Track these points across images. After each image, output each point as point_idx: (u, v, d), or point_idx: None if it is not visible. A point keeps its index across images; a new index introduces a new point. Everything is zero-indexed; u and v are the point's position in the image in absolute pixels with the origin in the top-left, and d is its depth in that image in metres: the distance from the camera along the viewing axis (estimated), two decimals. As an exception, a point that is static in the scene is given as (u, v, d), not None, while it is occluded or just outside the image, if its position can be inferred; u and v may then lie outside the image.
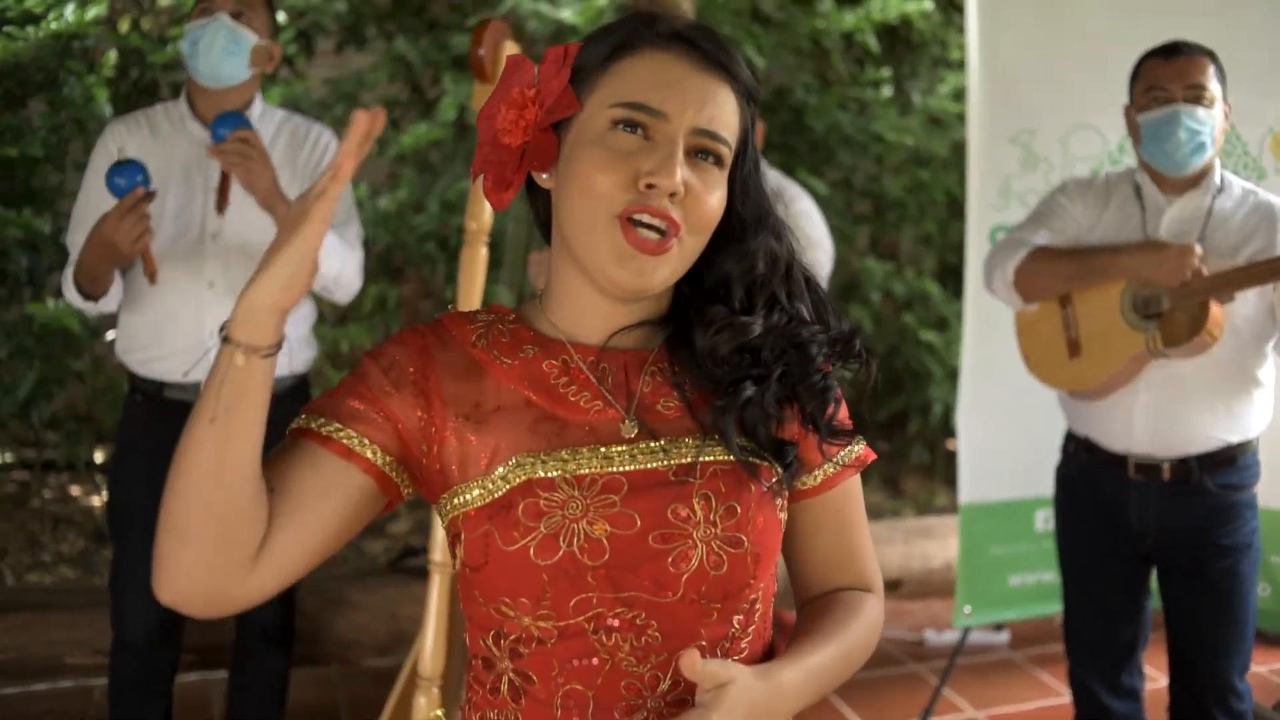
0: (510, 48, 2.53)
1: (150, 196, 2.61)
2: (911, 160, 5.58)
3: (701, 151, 1.26)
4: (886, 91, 5.36)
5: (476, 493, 1.26)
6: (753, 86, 1.34)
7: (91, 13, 4.39)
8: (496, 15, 5.05)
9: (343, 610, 3.75)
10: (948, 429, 5.75)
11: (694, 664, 1.16)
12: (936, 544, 4.34)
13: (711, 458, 1.29)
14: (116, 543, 2.91)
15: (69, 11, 4.36)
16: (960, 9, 5.13)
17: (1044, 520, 3.81)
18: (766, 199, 1.36)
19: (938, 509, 5.83)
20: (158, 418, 2.83)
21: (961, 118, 5.18)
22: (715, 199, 1.27)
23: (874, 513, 5.80)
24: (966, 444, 3.82)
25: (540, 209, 1.38)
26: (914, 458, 6.07)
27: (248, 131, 2.63)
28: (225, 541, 1.17)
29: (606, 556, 1.23)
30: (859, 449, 1.41)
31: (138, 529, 2.79)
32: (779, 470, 1.31)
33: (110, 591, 2.90)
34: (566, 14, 4.96)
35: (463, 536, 1.28)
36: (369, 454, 1.25)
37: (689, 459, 1.28)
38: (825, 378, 1.34)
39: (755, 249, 1.33)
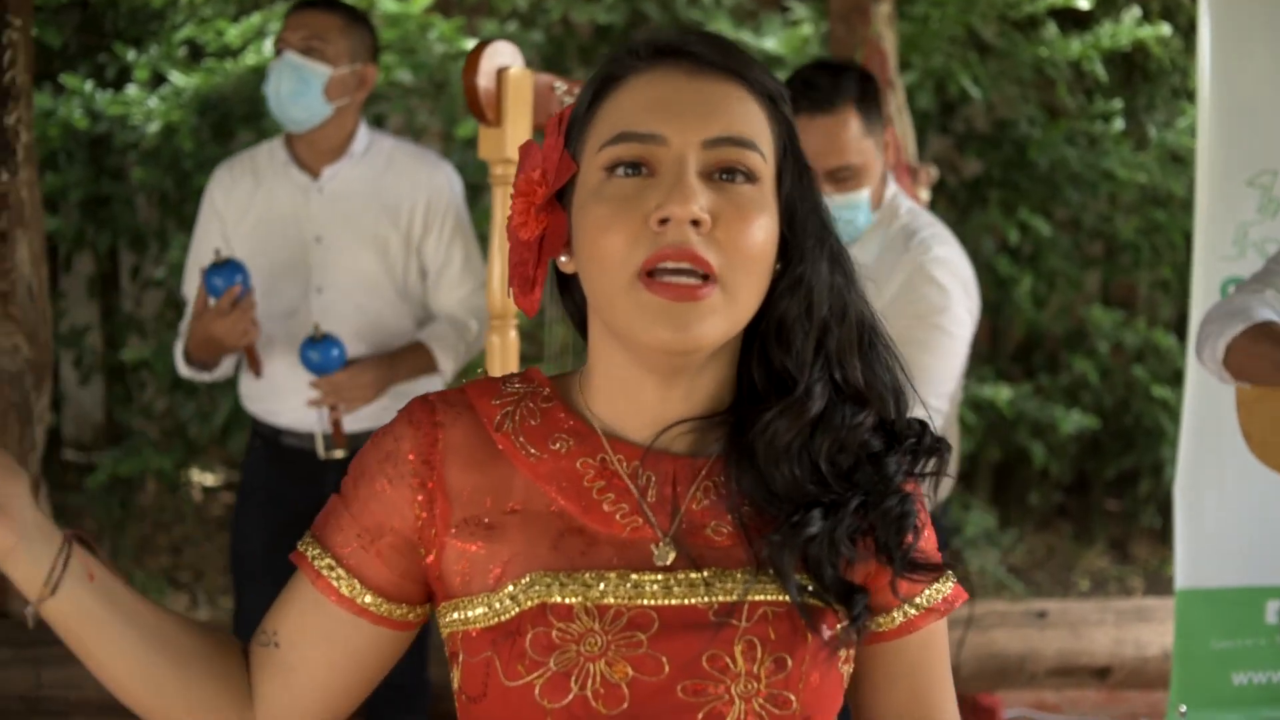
0: (521, 77, 2.01)
1: (249, 295, 2.56)
2: (1146, 200, 5.15)
3: (725, 171, 1.05)
4: (1118, 125, 4.96)
5: (481, 611, 1.07)
6: (775, 89, 1.10)
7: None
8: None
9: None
10: (1182, 492, 5.29)
11: None
12: (1153, 629, 3.93)
13: (763, 596, 1.07)
14: (238, 590, 2.85)
15: (267, 46, 4.38)
16: (1201, 35, 4.72)
17: (1276, 612, 3.38)
18: (826, 219, 1.11)
19: (1167, 578, 5.35)
20: (274, 463, 2.81)
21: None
22: (757, 224, 1.04)
23: (1097, 580, 5.38)
24: (1186, 521, 3.43)
25: (571, 304, 1.16)
26: (1145, 520, 5.60)
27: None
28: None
29: (625, 705, 1.03)
30: (948, 589, 1.16)
31: (255, 578, 2.75)
32: (845, 618, 1.08)
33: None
34: (770, 43, 4.75)
35: (460, 658, 1.10)
36: (363, 600, 1.12)
37: (735, 596, 1.06)
38: (904, 501, 1.09)
39: (810, 277, 1.08)
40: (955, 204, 5.23)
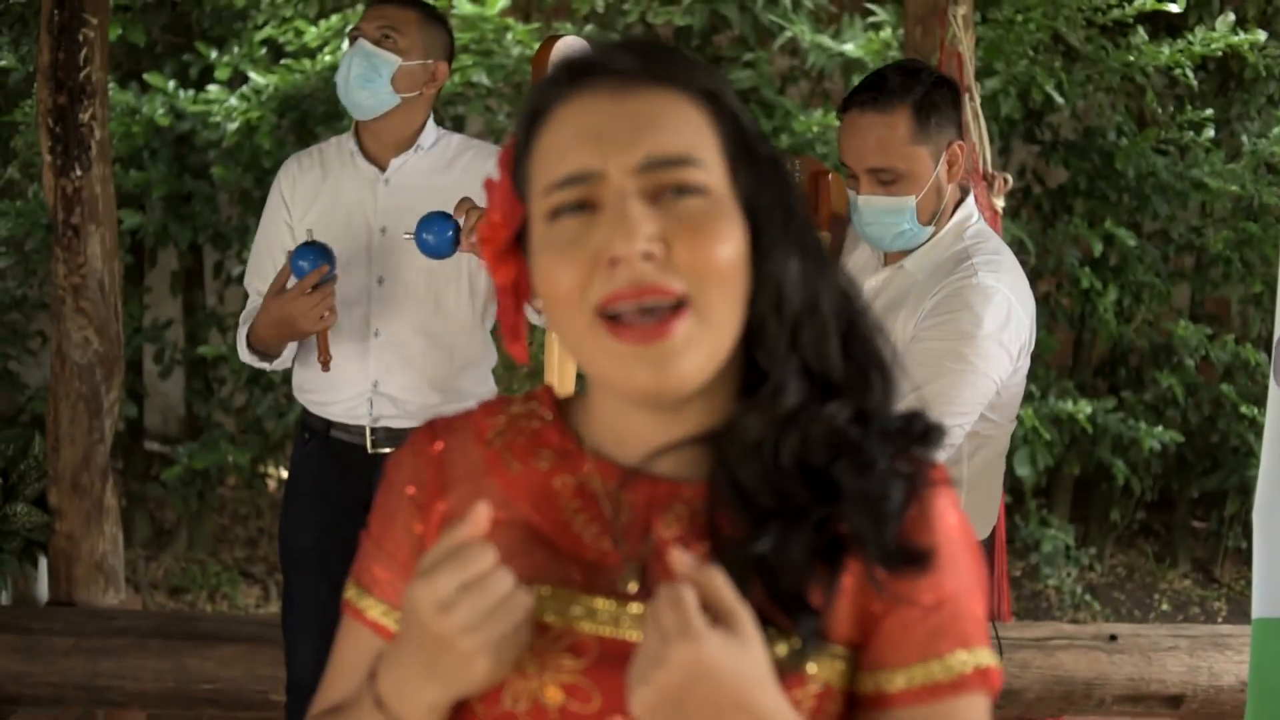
0: None
1: (333, 280, 2.55)
2: (1239, 211, 4.99)
3: (671, 189, 0.98)
4: (1210, 134, 4.81)
5: None
6: (711, 84, 1.02)
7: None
8: (774, 48, 4.83)
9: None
10: (1270, 514, 5.12)
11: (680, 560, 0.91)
12: (1229, 657, 3.79)
13: None
14: (286, 581, 2.86)
15: (345, 46, 4.41)
16: (1299, 42, 4.56)
17: (1356, 644, 3.24)
18: (793, 212, 1.03)
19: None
20: (323, 457, 2.80)
21: (1298, 165, 4.60)
22: (718, 236, 0.97)
23: (1178, 601, 5.23)
24: (1264, 546, 3.28)
25: None
26: (1232, 542, 5.44)
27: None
28: None
29: None
30: (982, 660, 1.00)
31: (304, 570, 2.75)
32: (798, 640, 0.96)
33: (283, 630, 2.85)
34: (850, 47, 4.69)
35: None
36: (393, 624, 1.09)
37: None
38: (884, 478, 0.98)
39: (779, 273, 1.00)
40: (1039, 214, 5.12)
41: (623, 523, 1.03)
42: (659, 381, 0.96)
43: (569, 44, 1.97)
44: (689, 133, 1.00)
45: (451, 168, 2.77)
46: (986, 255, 2.33)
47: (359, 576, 1.11)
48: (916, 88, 2.31)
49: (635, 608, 1.00)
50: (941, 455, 1.13)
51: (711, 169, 0.99)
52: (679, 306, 0.96)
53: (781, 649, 0.96)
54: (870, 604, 1.00)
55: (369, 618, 1.10)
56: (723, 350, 0.99)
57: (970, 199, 2.44)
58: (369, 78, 2.67)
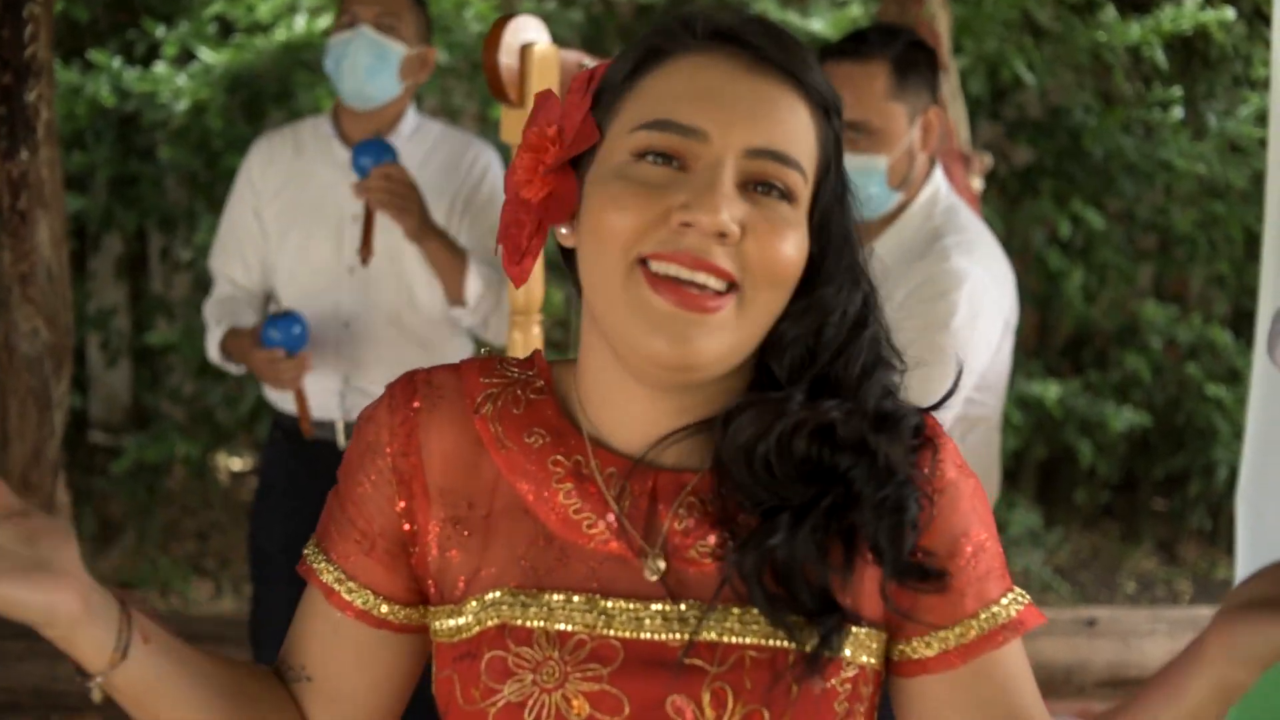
0: (547, 54, 1.83)
1: (303, 353, 2.52)
2: (1205, 191, 4.99)
3: (762, 183, 0.95)
4: (1177, 113, 4.80)
5: (449, 624, 1.02)
6: (830, 96, 1.00)
7: (323, 22, 4.29)
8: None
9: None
10: (1233, 493, 5.13)
11: None
12: (1208, 640, 3.79)
13: (741, 639, 0.95)
14: (256, 585, 2.75)
15: (299, 22, 4.27)
16: (1268, 19, 4.52)
17: (1342, 628, 3.21)
18: (854, 241, 1.02)
19: (1217, 582, 5.22)
20: (295, 456, 2.69)
21: (1265, 144, 4.58)
22: (789, 244, 0.95)
23: (1144, 582, 5.24)
24: (1248, 530, 3.26)
25: (577, 278, 1.04)
26: (1194, 522, 5.45)
27: (392, 166, 2.40)
28: None
29: None
30: (1017, 606, 1.01)
31: (273, 577, 2.65)
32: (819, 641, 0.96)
33: (250, 632, 2.73)
34: (818, 25, 4.61)
35: (434, 667, 1.05)
36: (380, 611, 1.05)
37: (713, 635, 0.95)
38: (901, 488, 0.97)
39: (831, 302, 0.99)
40: (1005, 194, 5.08)
41: (625, 512, 0.99)
42: (678, 354, 0.93)
43: (522, 24, 1.87)
44: (802, 136, 0.98)
45: (430, 159, 2.68)
46: (958, 235, 2.25)
47: (321, 535, 1.07)
48: (895, 44, 2.24)
49: (660, 606, 0.97)
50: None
51: (806, 179, 0.98)
52: (728, 290, 0.94)
53: (811, 640, 0.94)
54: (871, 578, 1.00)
55: (322, 580, 1.05)
56: (747, 347, 0.97)
57: (939, 171, 2.35)
58: (378, 68, 2.58)
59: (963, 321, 2.16)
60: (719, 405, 0.99)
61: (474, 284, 2.58)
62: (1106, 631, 3.72)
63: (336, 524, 1.06)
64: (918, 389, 2.12)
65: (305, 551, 1.07)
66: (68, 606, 0.89)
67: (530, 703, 0.96)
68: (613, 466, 1.00)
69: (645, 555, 0.97)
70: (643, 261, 0.93)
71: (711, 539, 0.97)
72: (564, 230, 1.01)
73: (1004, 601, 1.00)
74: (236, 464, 5.58)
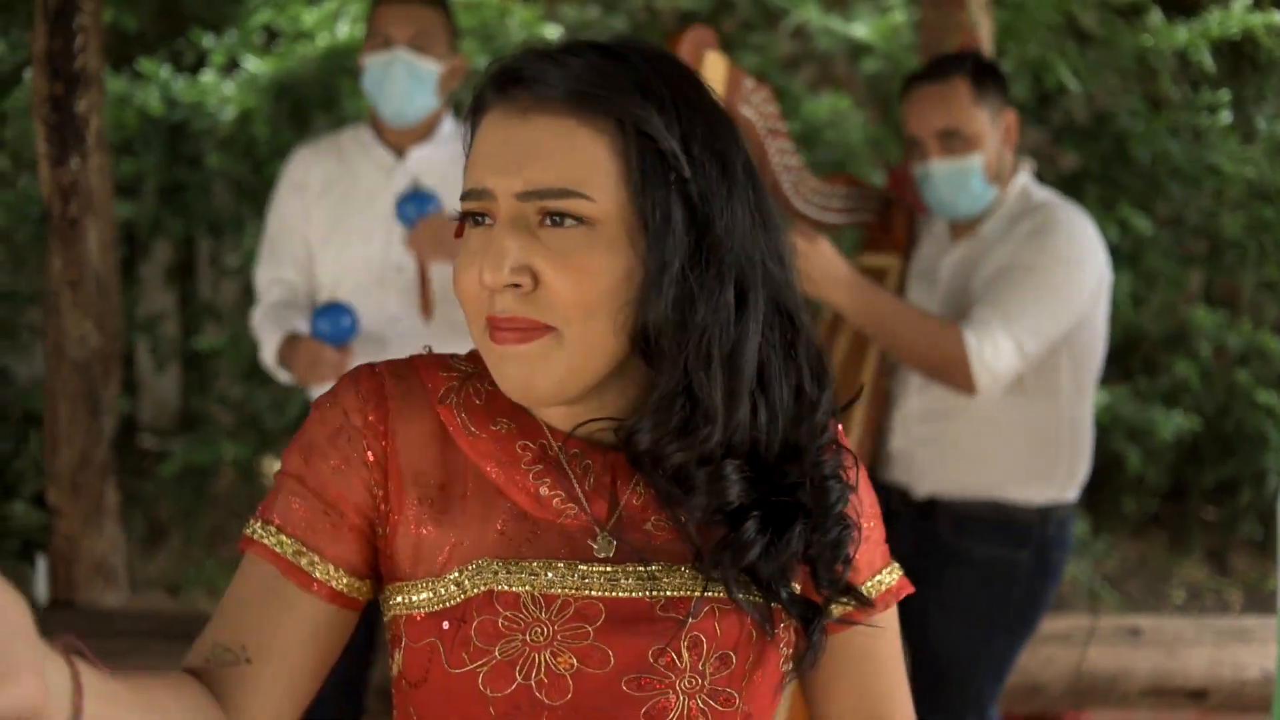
0: (715, 60, 2.04)
1: (348, 350, 2.55)
2: (1254, 195, 4.93)
3: (553, 214, 1.00)
4: (1225, 117, 4.74)
5: (425, 595, 1.05)
6: (629, 110, 1.00)
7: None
8: (783, 31, 4.74)
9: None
10: (1285, 502, 5.06)
11: None
12: (1253, 650, 3.72)
13: (709, 593, 1.06)
14: None
15: (342, 29, 4.31)
16: (1318, 23, 4.48)
17: (1390, 638, 3.17)
18: (725, 234, 1.02)
19: (1268, 593, 5.14)
20: None
21: (1315, 148, 4.53)
22: (588, 270, 0.99)
23: (1193, 591, 5.18)
24: (1295, 537, 3.23)
25: None
26: (1245, 531, 5.38)
27: (435, 217, 2.49)
28: None
29: (569, 696, 1.03)
30: (892, 579, 1.19)
31: None
32: (798, 631, 1.09)
33: None
34: (860, 30, 4.60)
35: (403, 643, 1.07)
36: (340, 585, 1.06)
37: (683, 592, 1.05)
38: (843, 527, 1.09)
39: (705, 320, 1.01)
40: (1051, 199, 5.03)
41: (588, 488, 1.06)
42: (520, 390, 1.02)
43: (701, 34, 2.01)
44: (578, 162, 1.00)
45: (460, 164, 2.69)
46: (1060, 202, 2.46)
47: (270, 512, 1.07)
48: (967, 62, 2.47)
49: (633, 566, 1.05)
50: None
51: (602, 199, 1.00)
52: (548, 328, 1.00)
53: (757, 612, 1.05)
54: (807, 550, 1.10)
55: (279, 554, 1.05)
56: (589, 369, 1.02)
57: (1027, 166, 2.54)
58: (416, 91, 2.60)
59: (1074, 256, 2.36)
60: (627, 400, 1.06)
61: None
62: (1151, 640, 3.67)
63: (299, 501, 1.06)
64: (1019, 310, 2.27)
65: (247, 531, 1.07)
66: (32, 700, 0.77)
67: (520, 660, 1.02)
68: (575, 448, 1.07)
69: (602, 529, 1.05)
70: (487, 323, 1.02)
71: (659, 517, 1.06)
72: None
73: (888, 576, 1.18)
74: (283, 468, 5.63)
